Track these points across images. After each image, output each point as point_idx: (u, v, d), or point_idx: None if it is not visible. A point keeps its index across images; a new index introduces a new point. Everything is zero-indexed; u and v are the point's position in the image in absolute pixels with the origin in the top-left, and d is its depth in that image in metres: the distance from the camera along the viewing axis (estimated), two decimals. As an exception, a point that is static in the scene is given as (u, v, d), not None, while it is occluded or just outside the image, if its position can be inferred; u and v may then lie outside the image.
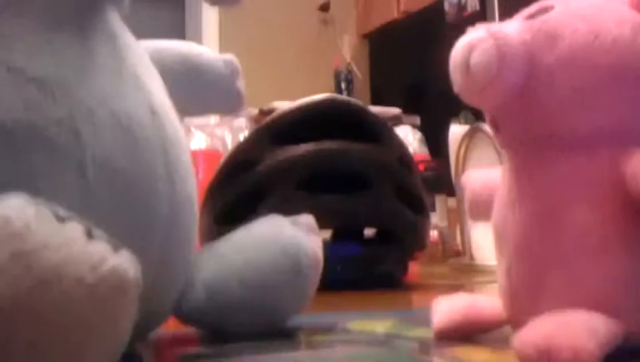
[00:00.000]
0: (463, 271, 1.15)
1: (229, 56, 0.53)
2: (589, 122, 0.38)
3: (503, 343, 0.42)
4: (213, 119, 1.27)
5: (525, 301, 0.40)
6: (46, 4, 0.37)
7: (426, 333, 0.46)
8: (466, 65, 0.38)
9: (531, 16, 0.40)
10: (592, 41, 0.37)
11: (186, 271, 0.44)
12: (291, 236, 0.47)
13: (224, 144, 1.34)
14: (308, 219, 0.50)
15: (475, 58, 0.37)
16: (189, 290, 0.46)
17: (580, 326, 0.34)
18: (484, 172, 0.49)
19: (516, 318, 0.41)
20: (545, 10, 0.40)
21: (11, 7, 0.36)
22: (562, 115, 0.38)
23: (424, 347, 0.43)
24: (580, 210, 0.38)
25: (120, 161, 0.35)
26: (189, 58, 0.52)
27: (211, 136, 1.29)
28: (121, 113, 0.37)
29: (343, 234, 0.93)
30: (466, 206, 0.48)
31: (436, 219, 1.40)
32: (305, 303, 0.49)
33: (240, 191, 0.79)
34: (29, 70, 0.34)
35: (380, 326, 0.51)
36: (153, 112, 0.39)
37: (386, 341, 0.46)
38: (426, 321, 0.47)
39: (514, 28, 0.39)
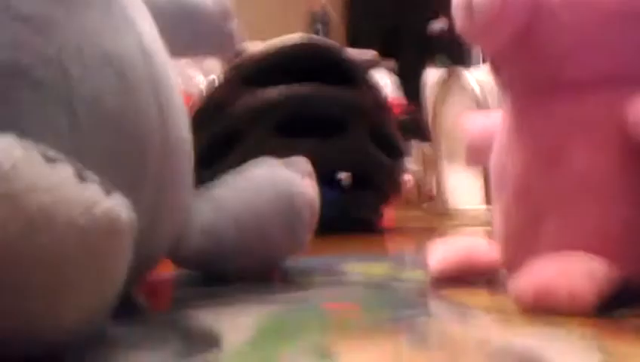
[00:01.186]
0: (436, 215, 1.16)
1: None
2: (592, 64, 0.38)
3: (500, 287, 0.42)
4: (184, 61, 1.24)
5: (522, 244, 0.40)
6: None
7: (422, 276, 0.46)
8: (469, 5, 0.37)
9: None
10: (597, -19, 0.36)
11: (183, 214, 0.43)
12: (286, 179, 0.47)
13: (196, 86, 1.32)
14: (303, 162, 0.49)
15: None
16: (185, 234, 0.45)
17: (578, 270, 0.35)
18: (483, 115, 0.48)
19: (512, 261, 0.41)
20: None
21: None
22: (565, 56, 0.38)
23: (420, 290, 0.43)
24: (580, 153, 0.38)
25: (110, 101, 0.34)
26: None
27: (183, 79, 1.26)
28: (111, 53, 0.36)
29: (317, 178, 0.93)
30: (464, 150, 0.48)
31: (412, 164, 1.41)
32: (301, 246, 0.49)
33: (214, 136, 0.78)
34: (15, 7, 0.33)
35: (375, 270, 0.51)
36: (144, 53, 0.38)
37: (384, 283, 0.46)
38: (419, 265, 0.47)
39: (519, -34, 0.38)
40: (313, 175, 0.50)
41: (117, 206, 0.27)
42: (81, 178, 0.26)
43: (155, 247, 0.40)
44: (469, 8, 0.36)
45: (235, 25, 0.52)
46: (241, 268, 0.47)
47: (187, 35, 0.50)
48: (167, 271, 0.50)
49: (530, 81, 0.40)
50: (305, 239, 0.49)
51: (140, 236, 0.29)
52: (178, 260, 0.48)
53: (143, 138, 0.36)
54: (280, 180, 0.47)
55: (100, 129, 0.34)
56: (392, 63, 2.42)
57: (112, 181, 0.28)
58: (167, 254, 0.45)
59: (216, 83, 0.82)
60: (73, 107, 0.33)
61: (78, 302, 0.26)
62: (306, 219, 0.47)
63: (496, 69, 0.42)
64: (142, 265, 0.37)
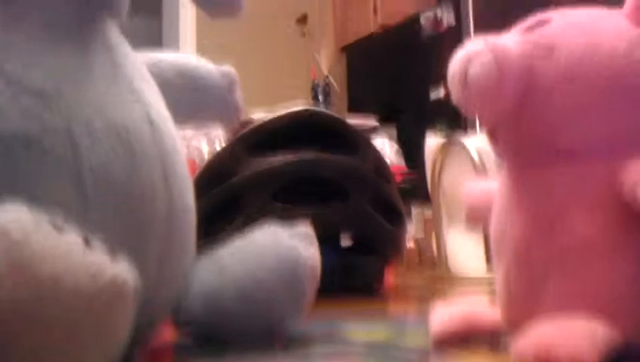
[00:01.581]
0: (438, 281, 1.16)
1: (226, 68, 0.53)
2: (585, 134, 0.39)
3: (501, 349, 0.42)
4: (189, 130, 1.25)
5: (523, 306, 0.40)
6: (46, 16, 0.37)
7: (424, 340, 0.46)
8: (465, 78, 0.37)
9: (529, 29, 0.40)
10: (590, 54, 0.37)
11: (185, 279, 0.44)
12: (289, 247, 0.47)
13: (200, 154, 1.33)
14: (305, 228, 0.50)
15: (474, 71, 0.37)
16: (187, 298, 0.46)
17: (579, 332, 0.35)
18: (482, 182, 0.49)
19: (514, 323, 0.41)
20: (543, 22, 0.40)
21: (9, 19, 0.36)
22: (560, 127, 0.39)
23: (423, 355, 0.43)
24: (579, 217, 0.38)
25: (117, 172, 0.35)
26: (187, 70, 0.52)
27: (188, 147, 1.27)
28: (118, 124, 0.37)
29: (318, 242, 0.93)
30: (465, 214, 0.49)
31: (412, 229, 1.42)
32: (302, 313, 0.49)
33: (216, 202, 0.78)
34: (26, 81, 0.34)
35: (377, 335, 0.51)
36: (151, 123, 0.39)
37: (385, 350, 0.46)
38: (421, 330, 0.47)
39: (512, 41, 0.39)
40: (315, 241, 0.50)
41: (122, 273, 0.27)
42: (89, 246, 0.27)
43: (157, 311, 0.41)
44: (465, 81, 0.37)
45: (239, 96, 0.54)
46: (243, 334, 0.47)
47: (193, 105, 0.52)
48: (169, 335, 0.50)
49: (526, 150, 0.40)
50: (306, 306, 0.49)
51: (142, 299, 0.29)
52: (179, 323, 0.48)
53: (148, 207, 0.37)
54: (283, 248, 0.47)
55: (107, 199, 0.34)
56: (392, 131, 2.47)
57: (118, 248, 0.28)
58: (170, 318, 0.45)
59: (220, 151, 0.83)
60: (81, 178, 0.33)
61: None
62: (308, 286, 0.47)
63: (493, 138, 0.43)
64: (143, 327, 0.37)
